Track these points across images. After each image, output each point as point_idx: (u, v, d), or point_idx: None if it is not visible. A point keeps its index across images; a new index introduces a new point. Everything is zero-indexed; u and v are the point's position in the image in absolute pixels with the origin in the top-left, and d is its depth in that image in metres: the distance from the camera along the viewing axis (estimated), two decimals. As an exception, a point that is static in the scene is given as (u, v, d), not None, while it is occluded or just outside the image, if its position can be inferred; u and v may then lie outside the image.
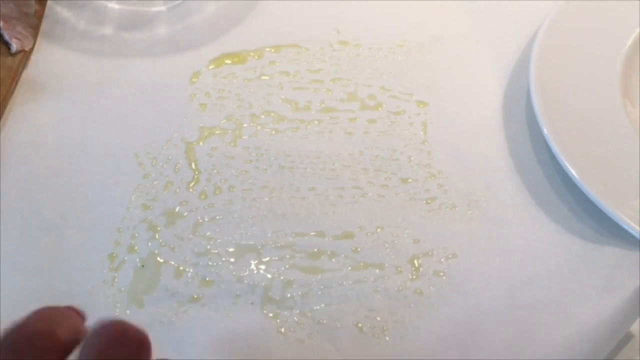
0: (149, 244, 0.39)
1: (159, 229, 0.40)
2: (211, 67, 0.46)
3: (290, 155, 0.43)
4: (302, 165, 0.43)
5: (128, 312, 0.37)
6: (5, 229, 0.39)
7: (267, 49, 0.47)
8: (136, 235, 0.39)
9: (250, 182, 0.42)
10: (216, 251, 0.39)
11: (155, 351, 0.25)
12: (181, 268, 0.38)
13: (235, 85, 0.46)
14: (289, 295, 0.38)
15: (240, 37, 0.48)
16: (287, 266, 0.39)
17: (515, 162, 0.43)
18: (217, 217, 0.40)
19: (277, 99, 0.45)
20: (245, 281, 0.38)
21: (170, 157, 0.42)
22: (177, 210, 0.40)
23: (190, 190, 0.41)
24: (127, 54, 0.46)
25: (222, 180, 0.42)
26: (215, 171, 0.42)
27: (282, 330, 0.37)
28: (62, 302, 0.26)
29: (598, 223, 0.40)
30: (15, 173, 0.41)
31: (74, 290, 0.37)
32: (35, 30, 0.46)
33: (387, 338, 0.36)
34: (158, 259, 0.39)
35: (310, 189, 0.42)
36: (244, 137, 0.44)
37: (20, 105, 0.44)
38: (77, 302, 0.26)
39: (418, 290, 0.38)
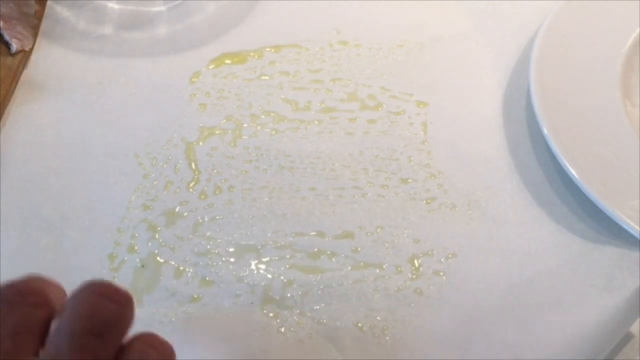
0: (149, 244, 0.39)
1: (159, 229, 0.40)
2: (211, 67, 0.46)
3: (290, 155, 0.43)
4: (302, 165, 0.43)
5: (128, 311, 0.36)
6: (5, 229, 0.39)
7: (267, 49, 0.47)
8: (136, 235, 0.39)
9: (250, 182, 0.42)
10: (216, 251, 0.39)
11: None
12: (181, 268, 0.38)
13: (235, 85, 0.46)
14: (289, 295, 0.38)
15: (241, 37, 0.48)
16: (287, 266, 0.39)
17: (515, 162, 0.43)
18: (217, 217, 0.40)
19: (277, 99, 0.45)
20: (245, 281, 0.38)
21: (170, 157, 0.42)
22: (177, 210, 0.40)
23: (190, 190, 0.41)
24: (127, 53, 0.46)
25: (222, 180, 0.42)
26: (215, 171, 0.42)
27: (282, 329, 0.37)
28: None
29: (598, 223, 0.40)
30: (15, 173, 0.41)
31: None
32: (35, 30, 0.46)
33: (387, 338, 0.36)
34: (158, 258, 0.39)
35: (310, 189, 0.42)
36: (244, 137, 0.44)
37: (20, 104, 0.44)
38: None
39: (418, 290, 0.38)
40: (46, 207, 0.40)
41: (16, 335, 0.24)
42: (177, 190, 0.41)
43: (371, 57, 0.48)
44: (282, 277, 0.38)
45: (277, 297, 0.38)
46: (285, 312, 0.37)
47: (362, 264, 0.39)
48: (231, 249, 0.39)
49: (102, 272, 0.38)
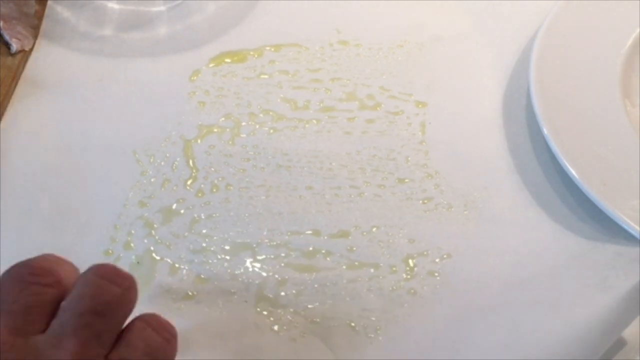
0: (145, 240, 0.39)
1: (155, 226, 0.40)
2: (211, 65, 0.47)
3: (287, 154, 0.43)
4: (300, 164, 0.43)
5: (122, 308, 0.37)
6: (3, 224, 0.39)
7: (267, 48, 0.48)
8: (132, 232, 0.39)
9: (247, 181, 0.42)
10: (212, 249, 0.39)
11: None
12: (176, 265, 0.39)
13: (234, 83, 0.46)
14: (283, 293, 0.38)
15: (241, 37, 0.48)
16: (282, 264, 0.39)
17: (515, 162, 0.43)
18: (214, 215, 0.40)
19: (276, 98, 0.45)
20: (240, 279, 0.38)
21: (168, 155, 0.43)
22: (173, 207, 0.41)
23: (188, 187, 0.41)
24: (127, 53, 0.46)
25: (220, 178, 0.42)
26: (212, 169, 0.42)
27: (275, 328, 0.37)
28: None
29: (598, 223, 0.40)
30: (13, 169, 0.41)
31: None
32: (35, 30, 0.46)
33: (380, 337, 0.36)
34: (154, 255, 0.39)
35: (307, 188, 0.42)
36: (242, 135, 0.44)
37: (20, 102, 0.44)
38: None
39: (412, 290, 0.38)
40: (44, 203, 0.40)
41: (27, 312, 0.26)
42: (174, 187, 0.41)
43: (371, 57, 0.48)
44: (276, 276, 0.38)
45: (271, 296, 0.38)
46: (279, 310, 0.37)
47: (357, 263, 0.39)
48: (227, 247, 0.39)
49: (97, 269, 0.38)
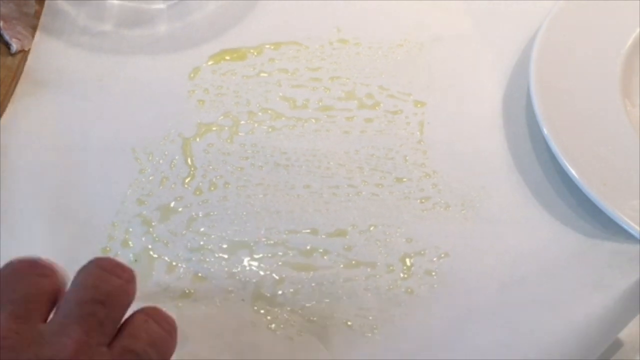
0: (143, 238, 0.39)
1: (153, 224, 0.40)
2: (210, 63, 0.47)
3: (286, 152, 0.43)
4: (298, 163, 0.43)
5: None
6: (4, 222, 0.39)
7: (267, 46, 0.48)
8: (130, 229, 0.39)
9: (245, 179, 0.42)
10: (209, 247, 0.39)
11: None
12: (174, 263, 0.39)
13: (233, 82, 0.46)
14: (280, 292, 0.38)
15: (240, 35, 0.48)
16: (280, 263, 0.39)
17: (515, 162, 0.43)
18: (212, 213, 0.40)
19: (275, 97, 0.45)
20: (237, 277, 0.38)
21: (166, 153, 0.43)
22: (171, 205, 0.41)
23: (186, 186, 0.41)
24: (127, 51, 0.46)
25: (218, 177, 0.42)
26: (210, 167, 0.42)
27: (272, 326, 0.37)
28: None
29: (599, 222, 0.40)
30: (12, 166, 0.41)
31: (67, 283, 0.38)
32: (35, 30, 0.46)
33: (377, 337, 0.36)
34: (151, 253, 0.39)
35: (305, 187, 0.42)
36: (240, 134, 0.44)
37: (19, 99, 0.44)
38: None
39: (409, 290, 0.38)
40: (43, 201, 0.40)
41: (28, 301, 0.27)
42: (173, 185, 0.41)
43: (371, 56, 0.48)
44: (274, 274, 0.38)
45: (269, 294, 0.38)
46: (276, 309, 0.37)
47: (354, 262, 0.39)
48: (224, 245, 0.39)
49: (95, 266, 0.38)
